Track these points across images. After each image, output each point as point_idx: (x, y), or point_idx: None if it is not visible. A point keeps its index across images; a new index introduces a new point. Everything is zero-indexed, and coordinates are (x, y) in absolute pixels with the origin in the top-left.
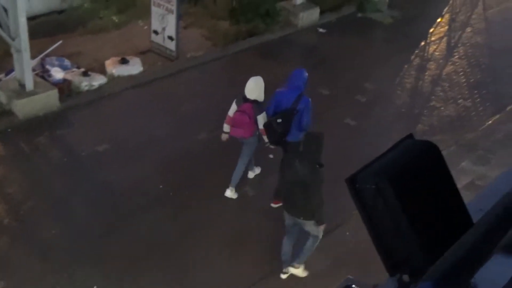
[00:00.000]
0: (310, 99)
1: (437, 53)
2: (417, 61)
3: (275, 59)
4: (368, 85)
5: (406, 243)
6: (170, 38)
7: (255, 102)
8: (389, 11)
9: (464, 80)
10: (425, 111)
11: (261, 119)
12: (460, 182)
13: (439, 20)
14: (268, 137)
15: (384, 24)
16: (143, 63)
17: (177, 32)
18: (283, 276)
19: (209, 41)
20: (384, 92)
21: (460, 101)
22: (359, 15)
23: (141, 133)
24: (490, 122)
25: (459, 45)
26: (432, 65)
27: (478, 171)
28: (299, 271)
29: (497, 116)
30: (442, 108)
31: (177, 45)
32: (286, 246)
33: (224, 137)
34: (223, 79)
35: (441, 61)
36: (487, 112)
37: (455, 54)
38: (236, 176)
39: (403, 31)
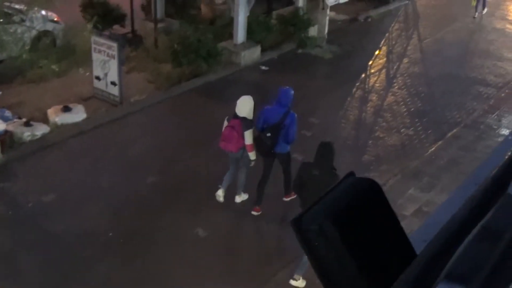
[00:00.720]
0: (295, 114)
1: (377, 85)
2: (359, 93)
3: (219, 99)
4: (313, 119)
5: (353, 284)
6: (113, 83)
7: (244, 119)
8: (328, 46)
9: (405, 109)
10: (369, 142)
11: (248, 134)
12: (408, 210)
13: (377, 52)
14: (257, 149)
15: (325, 59)
16: (87, 110)
17: (120, 77)
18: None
19: (153, 84)
20: (329, 126)
21: (402, 130)
22: (300, 51)
23: (88, 181)
24: (432, 149)
25: (397, 75)
26: (373, 97)
27: (424, 198)
28: (298, 283)
29: (439, 142)
30: (386, 138)
31: (120, 90)
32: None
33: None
34: (168, 122)
35: (381, 92)
36: (429, 139)
37: (395, 84)
38: (240, 186)
39: (343, 65)
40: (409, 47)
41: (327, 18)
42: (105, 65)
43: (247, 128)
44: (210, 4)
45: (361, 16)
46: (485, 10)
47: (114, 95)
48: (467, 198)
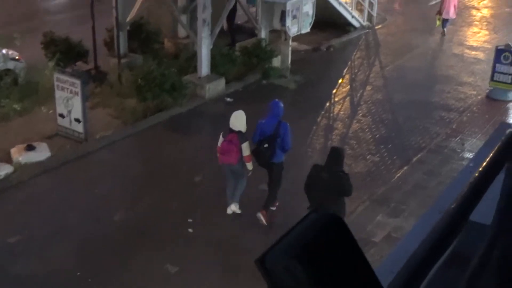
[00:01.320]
0: (288, 124)
1: (342, 112)
2: (324, 121)
3: (185, 132)
4: None
5: None
6: (77, 120)
7: (239, 132)
8: (292, 76)
9: (370, 136)
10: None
11: (245, 147)
12: (378, 236)
13: (340, 81)
14: (257, 160)
15: (289, 89)
16: (51, 148)
17: (84, 114)
18: None
19: (118, 120)
20: (295, 155)
21: (368, 157)
22: (264, 82)
23: (54, 220)
24: (399, 174)
25: (361, 103)
26: (338, 124)
27: (393, 223)
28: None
29: (405, 167)
30: (353, 165)
31: (85, 127)
32: None
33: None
34: (134, 157)
35: (346, 119)
36: (395, 165)
37: (359, 111)
38: (239, 193)
39: (308, 94)
40: (371, 75)
41: (290, 48)
42: (69, 102)
43: (244, 141)
44: (173, 38)
45: (323, 46)
46: (446, 30)
47: (78, 132)
48: (432, 226)
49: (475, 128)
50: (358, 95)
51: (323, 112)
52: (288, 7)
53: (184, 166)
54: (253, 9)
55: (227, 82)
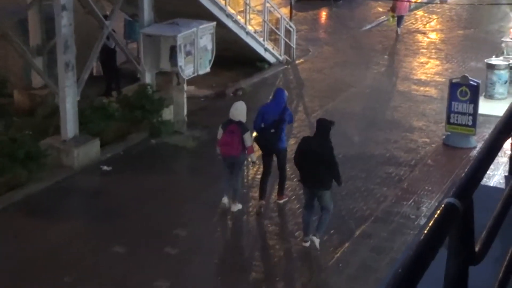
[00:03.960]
0: (291, 111)
1: (258, 176)
2: None
3: (48, 217)
4: (179, 231)
5: None
6: None
7: (240, 122)
8: (190, 131)
9: (298, 206)
10: (255, 254)
11: (248, 136)
12: None
13: (254, 134)
14: (260, 147)
15: (187, 148)
16: None
17: None
18: (306, 244)
19: None
20: (200, 238)
21: (298, 233)
22: (154, 141)
23: None
24: (338, 254)
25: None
26: (255, 192)
27: None
28: (318, 241)
29: (346, 244)
30: (277, 247)
31: None
32: (307, 217)
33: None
34: None
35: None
36: (333, 242)
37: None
38: (237, 191)
39: (213, 154)
40: (294, 124)
41: (185, 95)
42: None
43: (246, 131)
44: (26, 89)
45: (229, 89)
46: (400, 29)
47: None
48: None
49: (432, 185)
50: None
51: None
52: (179, 41)
53: (48, 263)
54: (133, 46)
55: (103, 145)
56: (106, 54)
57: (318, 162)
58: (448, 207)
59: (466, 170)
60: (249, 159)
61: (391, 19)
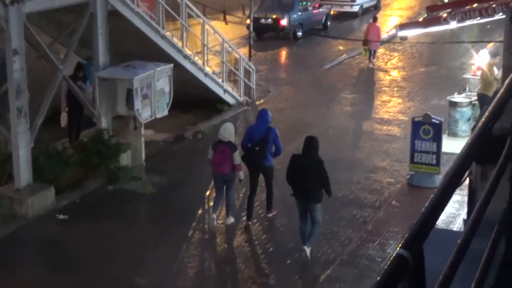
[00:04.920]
0: (276, 129)
1: (220, 221)
2: (197, 235)
3: (1, 269)
4: (140, 279)
5: None
6: None
7: (230, 142)
8: (148, 177)
9: (261, 250)
10: None
11: (237, 155)
12: None
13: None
14: (247, 164)
15: (146, 194)
16: None
17: None
18: (307, 251)
19: None
20: (161, 287)
21: (260, 280)
22: (111, 187)
23: None
24: None
25: (244, 205)
26: (218, 238)
27: None
28: (308, 251)
29: None
30: None
31: None
32: (304, 228)
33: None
34: None
35: (228, 230)
36: (298, 287)
37: (243, 217)
38: (230, 207)
39: (172, 199)
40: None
41: (143, 139)
42: None
43: (236, 150)
44: None
45: (188, 132)
46: (374, 60)
47: None
48: None
49: (397, 227)
50: (240, 195)
51: (195, 223)
52: (136, 84)
53: None
54: (88, 89)
55: (58, 192)
56: (75, 102)
57: (309, 177)
58: (398, 259)
59: (416, 219)
60: (237, 177)
61: (364, 52)
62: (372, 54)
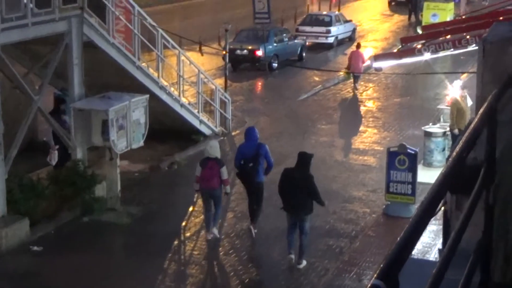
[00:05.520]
0: (266, 145)
1: (196, 253)
2: (173, 267)
3: None
4: None
5: None
6: None
7: (216, 158)
8: (124, 208)
9: (237, 281)
10: None
11: (224, 170)
12: None
13: (191, 209)
14: (242, 180)
15: (121, 225)
16: None
17: None
18: (292, 256)
19: None
20: None
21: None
22: (86, 219)
23: None
24: None
25: (222, 237)
26: (193, 269)
27: None
28: (303, 264)
29: None
30: None
31: None
32: (292, 237)
33: (196, 192)
34: None
35: (203, 262)
36: None
37: (220, 249)
38: (217, 217)
39: (148, 231)
40: (231, 198)
41: (118, 170)
42: None
43: (223, 165)
44: None
45: (164, 163)
46: (358, 85)
47: None
48: None
49: (373, 257)
50: (217, 224)
51: (170, 255)
52: (111, 115)
53: None
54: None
55: (33, 224)
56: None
57: (300, 190)
58: None
59: (391, 249)
60: (224, 191)
61: (346, 76)
62: (356, 80)
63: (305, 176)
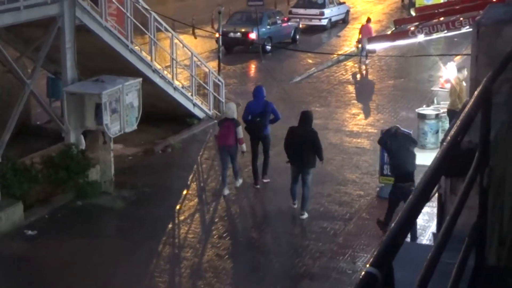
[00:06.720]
0: (271, 102)
1: (191, 236)
2: (167, 250)
3: None
4: None
5: None
6: None
7: (233, 119)
8: (118, 192)
9: (231, 264)
10: None
11: (240, 130)
12: None
13: (185, 192)
14: (250, 133)
15: (115, 209)
16: None
17: None
18: (294, 206)
19: None
20: None
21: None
22: (80, 203)
23: None
24: None
25: (216, 219)
26: (187, 252)
27: None
28: (306, 216)
29: None
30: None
31: None
32: (295, 189)
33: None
34: None
35: (198, 245)
36: None
37: (214, 232)
38: (237, 172)
39: (142, 214)
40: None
41: (112, 154)
42: None
43: (239, 125)
44: None
45: (158, 147)
46: (368, 61)
47: None
48: None
49: (368, 239)
50: (211, 209)
51: (165, 238)
52: (104, 98)
53: None
54: (57, 104)
55: (26, 208)
56: None
57: (304, 145)
58: (367, 277)
59: (385, 236)
60: (241, 150)
61: (356, 50)
62: (365, 53)
63: (308, 132)
